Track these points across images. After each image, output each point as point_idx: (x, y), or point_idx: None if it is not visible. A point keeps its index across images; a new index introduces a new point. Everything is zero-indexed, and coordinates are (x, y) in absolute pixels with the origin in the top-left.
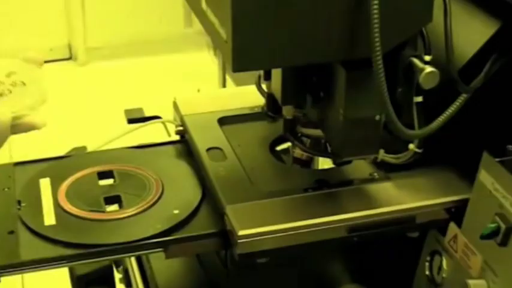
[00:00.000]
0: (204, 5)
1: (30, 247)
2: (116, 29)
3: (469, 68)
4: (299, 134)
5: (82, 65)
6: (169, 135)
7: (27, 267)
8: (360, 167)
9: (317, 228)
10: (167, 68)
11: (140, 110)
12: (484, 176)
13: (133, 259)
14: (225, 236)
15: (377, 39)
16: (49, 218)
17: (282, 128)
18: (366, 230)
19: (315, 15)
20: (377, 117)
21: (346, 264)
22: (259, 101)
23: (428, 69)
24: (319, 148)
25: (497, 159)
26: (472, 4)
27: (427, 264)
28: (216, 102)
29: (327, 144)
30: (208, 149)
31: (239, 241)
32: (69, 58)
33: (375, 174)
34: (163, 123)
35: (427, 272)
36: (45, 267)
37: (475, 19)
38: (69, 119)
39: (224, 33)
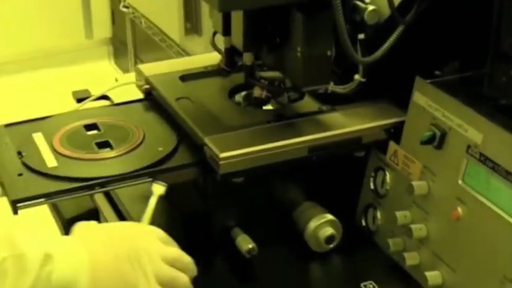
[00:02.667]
0: None
1: (38, 185)
2: (17, 43)
3: (401, 7)
4: (258, 78)
5: None
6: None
7: (40, 199)
8: (309, 103)
9: (284, 149)
10: (71, 79)
11: (87, 90)
12: (417, 97)
13: (110, 209)
14: (204, 165)
15: None
16: (50, 162)
17: (244, 75)
18: (323, 149)
19: None
20: (328, 53)
21: (303, 185)
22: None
23: (371, 7)
24: (275, 87)
25: (428, 81)
26: None
27: (371, 179)
28: (172, 66)
29: (281, 85)
30: (177, 99)
31: (220, 162)
32: None
33: (323, 107)
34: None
35: (372, 186)
36: (54, 199)
37: None
38: None
39: None
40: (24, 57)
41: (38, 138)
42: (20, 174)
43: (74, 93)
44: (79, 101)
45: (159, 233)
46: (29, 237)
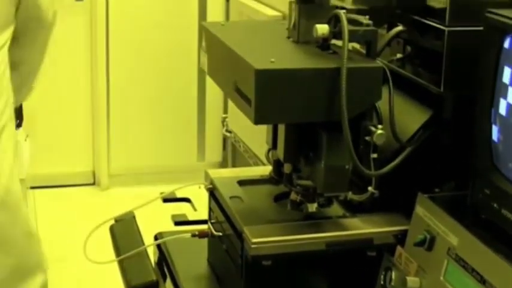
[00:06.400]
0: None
1: None
2: (132, 158)
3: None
4: (295, 185)
5: (104, 190)
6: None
7: None
8: (336, 209)
9: (305, 241)
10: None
11: (184, 215)
12: (418, 209)
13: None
14: (242, 249)
15: (344, 108)
16: None
17: (284, 180)
18: (338, 245)
19: (309, 91)
20: (346, 166)
21: (326, 277)
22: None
23: (379, 131)
24: (308, 193)
25: (426, 196)
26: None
27: (382, 277)
28: (235, 173)
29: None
30: (231, 197)
31: (252, 246)
32: (93, 183)
33: (347, 214)
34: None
35: (382, 282)
36: None
37: (412, 107)
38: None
39: (250, 99)
40: (137, 171)
41: None
42: None
43: (173, 216)
44: (176, 224)
45: None
46: None
